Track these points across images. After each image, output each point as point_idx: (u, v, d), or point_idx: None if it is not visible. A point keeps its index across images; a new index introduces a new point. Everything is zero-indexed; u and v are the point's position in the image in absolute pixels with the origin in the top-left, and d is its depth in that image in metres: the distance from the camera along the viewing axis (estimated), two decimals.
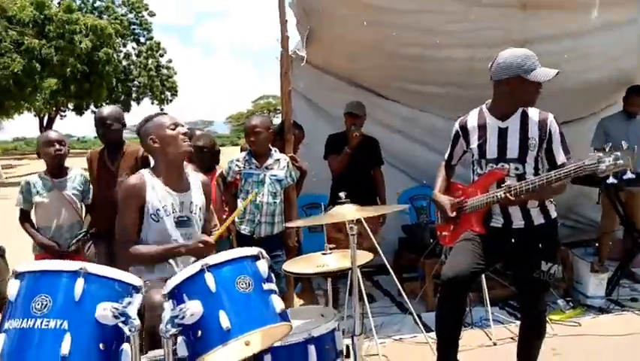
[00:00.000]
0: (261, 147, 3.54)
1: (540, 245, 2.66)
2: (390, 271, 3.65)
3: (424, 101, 5.18)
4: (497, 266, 3.91)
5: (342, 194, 2.19)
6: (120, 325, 1.63)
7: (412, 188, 5.50)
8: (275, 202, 3.50)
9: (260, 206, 3.48)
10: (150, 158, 2.70)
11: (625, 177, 2.26)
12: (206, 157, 3.76)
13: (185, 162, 2.62)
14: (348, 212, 2.16)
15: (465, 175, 3.03)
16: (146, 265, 2.42)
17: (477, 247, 2.72)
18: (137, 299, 1.79)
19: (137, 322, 1.64)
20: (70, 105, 27.70)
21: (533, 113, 2.67)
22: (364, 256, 2.49)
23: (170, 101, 31.62)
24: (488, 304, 3.79)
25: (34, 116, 29.53)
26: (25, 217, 3.33)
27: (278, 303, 1.80)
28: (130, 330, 1.63)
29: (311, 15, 4.18)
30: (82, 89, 22.30)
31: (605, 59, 4.51)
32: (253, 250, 1.88)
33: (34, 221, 3.34)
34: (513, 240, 2.70)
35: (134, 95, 29.49)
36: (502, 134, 2.68)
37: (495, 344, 3.55)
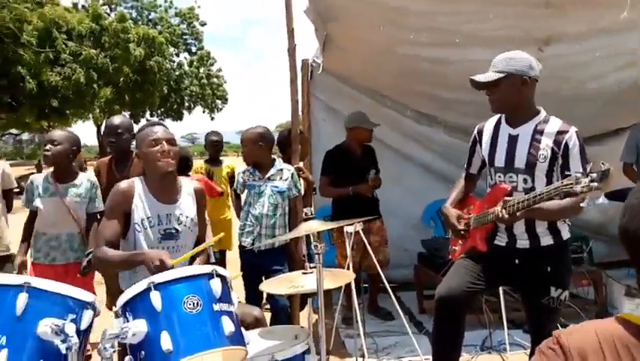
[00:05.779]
0: (259, 158, 3.46)
1: (549, 269, 2.45)
2: (389, 289, 3.45)
3: (449, 108, 4.95)
4: (507, 288, 3.65)
5: (306, 210, 2.07)
6: (58, 342, 1.57)
7: (441, 200, 5.24)
8: (275, 214, 3.37)
9: (260, 218, 3.37)
10: None
11: (597, 201, 1.98)
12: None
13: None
14: (312, 228, 2.03)
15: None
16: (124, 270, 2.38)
17: (475, 266, 2.56)
18: (87, 315, 1.74)
19: (74, 340, 1.57)
20: (126, 114, 28.84)
21: (553, 124, 2.46)
22: (345, 277, 2.33)
23: (221, 109, 32.22)
24: (505, 327, 3.52)
25: (94, 124, 30.85)
26: (30, 220, 3.18)
27: (228, 325, 1.69)
28: (67, 348, 1.56)
29: (327, 20, 4.06)
30: (135, 98, 23.13)
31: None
32: (207, 268, 1.78)
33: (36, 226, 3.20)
34: (517, 261, 2.50)
35: (186, 103, 30.25)
36: (512, 141, 2.50)
37: None
